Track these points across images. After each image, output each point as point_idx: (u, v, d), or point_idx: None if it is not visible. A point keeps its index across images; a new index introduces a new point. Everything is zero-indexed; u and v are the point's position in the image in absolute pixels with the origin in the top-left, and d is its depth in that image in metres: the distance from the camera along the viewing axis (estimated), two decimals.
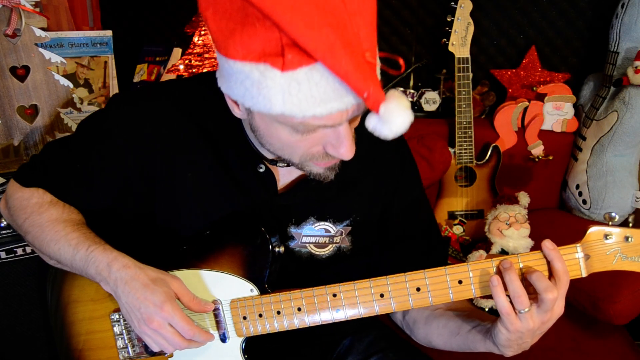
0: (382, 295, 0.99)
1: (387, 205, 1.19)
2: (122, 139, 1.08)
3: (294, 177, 1.13)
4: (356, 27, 0.80)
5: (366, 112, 0.89)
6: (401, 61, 0.84)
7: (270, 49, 0.79)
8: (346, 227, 1.15)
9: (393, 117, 0.82)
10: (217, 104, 1.08)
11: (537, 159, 2.17)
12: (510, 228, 1.80)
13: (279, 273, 1.07)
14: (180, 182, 1.09)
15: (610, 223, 0.94)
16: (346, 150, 0.92)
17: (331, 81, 0.81)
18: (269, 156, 1.09)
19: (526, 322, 0.91)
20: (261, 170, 1.10)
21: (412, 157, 1.25)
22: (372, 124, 0.85)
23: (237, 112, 0.98)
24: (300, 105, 0.82)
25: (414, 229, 1.21)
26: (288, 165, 1.10)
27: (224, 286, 1.05)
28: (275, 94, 0.81)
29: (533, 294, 0.91)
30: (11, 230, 1.62)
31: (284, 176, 1.13)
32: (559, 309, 0.92)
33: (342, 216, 1.15)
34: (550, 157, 2.16)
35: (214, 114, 1.09)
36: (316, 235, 1.14)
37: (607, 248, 0.93)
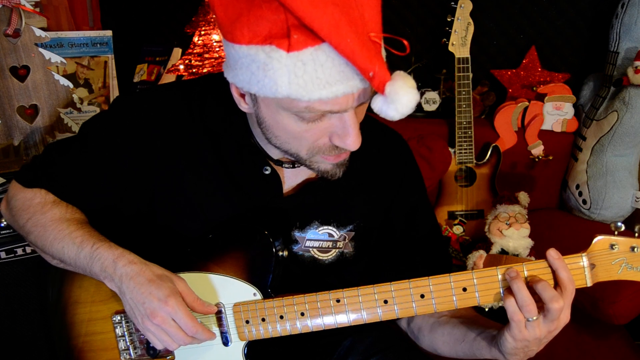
0: (385, 302, 0.99)
1: (390, 211, 1.19)
2: (124, 139, 1.09)
3: (299, 180, 1.13)
4: (360, 7, 0.81)
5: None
6: (406, 43, 0.84)
7: (276, 30, 0.80)
8: (349, 232, 1.15)
9: (399, 97, 0.82)
10: (222, 105, 1.09)
11: (537, 159, 2.17)
12: (510, 228, 1.79)
13: (282, 277, 1.07)
14: (182, 183, 1.09)
15: (616, 232, 0.93)
16: (352, 140, 0.91)
17: (337, 63, 0.81)
18: (275, 156, 1.09)
19: (533, 331, 0.91)
20: (267, 172, 1.10)
21: (416, 163, 1.25)
22: (378, 105, 0.84)
23: (243, 106, 0.98)
24: (305, 87, 0.82)
25: (417, 235, 1.21)
26: (294, 166, 1.11)
27: (227, 290, 1.05)
28: (280, 75, 0.82)
29: (538, 302, 0.91)
30: (11, 230, 1.61)
31: (289, 178, 1.13)
32: (565, 317, 0.91)
33: (346, 221, 1.15)
34: (550, 157, 2.16)
35: (219, 115, 1.10)
36: (320, 240, 1.13)
37: (612, 257, 0.93)
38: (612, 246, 0.92)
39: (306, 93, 0.82)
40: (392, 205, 1.19)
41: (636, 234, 0.93)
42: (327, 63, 0.81)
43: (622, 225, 0.92)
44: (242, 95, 0.97)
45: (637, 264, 0.92)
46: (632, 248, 0.91)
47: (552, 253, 0.92)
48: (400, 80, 0.82)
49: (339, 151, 0.97)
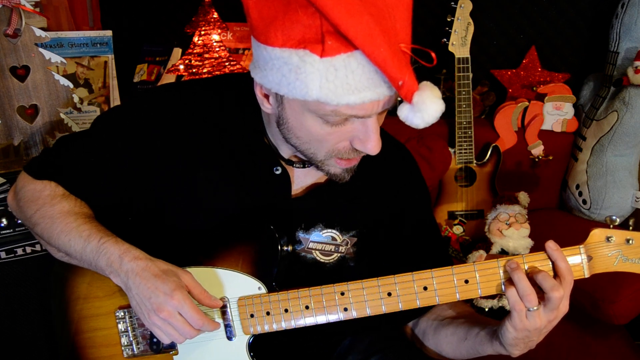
0: (389, 294, 1.00)
1: (397, 223, 1.21)
2: (137, 134, 1.10)
3: (308, 182, 1.15)
4: (393, 19, 0.84)
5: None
6: (433, 54, 0.87)
7: (311, 35, 0.83)
8: (352, 237, 1.16)
9: (426, 106, 0.85)
10: (236, 105, 1.11)
11: (537, 159, 2.17)
12: (510, 228, 1.80)
13: (285, 278, 1.08)
14: (193, 180, 1.10)
15: (611, 226, 0.96)
16: (373, 145, 0.94)
17: (367, 70, 0.84)
18: (287, 155, 1.11)
19: (533, 321, 0.93)
20: (277, 172, 1.11)
21: (421, 175, 1.27)
22: (404, 113, 0.88)
23: (266, 106, 1.00)
24: (335, 91, 0.85)
25: (421, 245, 1.23)
26: (304, 166, 1.12)
27: (232, 284, 1.06)
28: (312, 79, 0.85)
29: (538, 293, 0.93)
30: (11, 230, 1.61)
31: (299, 178, 1.14)
32: (564, 307, 0.94)
33: (349, 226, 1.16)
34: (550, 157, 2.16)
35: (232, 114, 1.11)
36: (323, 242, 1.15)
37: (608, 250, 0.96)
38: (608, 238, 0.96)
39: (335, 97, 0.85)
40: (398, 217, 1.21)
41: (630, 227, 0.97)
42: (358, 70, 0.84)
43: (617, 218, 0.97)
44: (266, 96, 0.99)
45: (632, 255, 0.95)
46: (627, 240, 0.95)
47: (551, 245, 0.95)
48: (427, 90, 0.86)
49: (356, 154, 1.00)
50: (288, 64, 0.86)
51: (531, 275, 0.94)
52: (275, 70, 0.89)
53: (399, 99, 0.89)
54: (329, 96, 0.85)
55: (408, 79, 0.84)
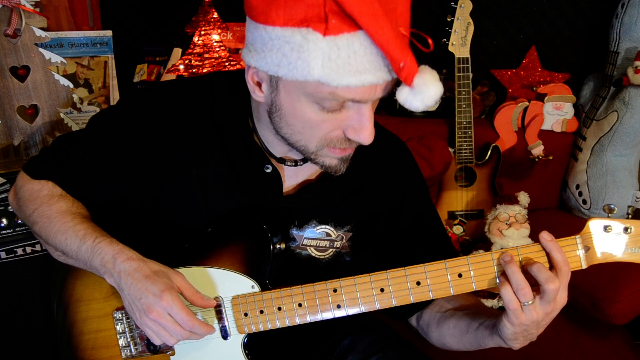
0: (382, 290, 0.99)
1: (394, 216, 1.20)
2: (132, 132, 1.10)
3: (299, 180, 1.15)
4: (395, 2, 0.83)
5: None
6: (430, 40, 0.86)
7: (314, 14, 0.82)
8: (347, 232, 1.16)
9: (427, 89, 0.85)
10: (230, 103, 1.11)
11: (537, 159, 2.17)
12: (510, 228, 1.80)
13: (279, 276, 1.08)
14: (186, 178, 1.11)
15: (609, 215, 0.93)
16: (367, 134, 0.93)
17: (369, 52, 0.84)
18: (278, 153, 1.11)
19: (530, 315, 0.91)
20: (268, 170, 1.11)
21: (419, 169, 1.26)
22: (404, 95, 0.88)
23: (258, 95, 0.98)
24: (337, 71, 0.84)
25: (424, 240, 1.22)
26: (296, 164, 1.12)
27: (226, 283, 1.06)
28: (315, 57, 0.83)
29: (535, 285, 0.91)
30: (11, 230, 1.62)
31: (290, 177, 1.14)
32: (562, 299, 0.92)
33: (344, 221, 1.15)
34: (550, 157, 2.16)
35: (224, 113, 1.11)
36: (317, 239, 1.14)
37: (606, 240, 0.93)
38: (605, 228, 0.92)
39: (337, 77, 0.84)
40: (395, 210, 1.20)
41: (629, 216, 0.94)
42: (360, 51, 0.83)
43: (615, 207, 0.93)
44: (259, 84, 0.97)
45: (631, 245, 0.92)
46: (626, 229, 0.92)
47: (545, 235, 0.93)
48: (428, 73, 0.86)
49: (348, 144, 0.98)
50: (290, 42, 0.84)
51: (526, 268, 0.92)
52: (275, 50, 0.87)
53: (394, 89, 0.90)
54: (330, 76, 0.84)
55: (409, 61, 0.83)
